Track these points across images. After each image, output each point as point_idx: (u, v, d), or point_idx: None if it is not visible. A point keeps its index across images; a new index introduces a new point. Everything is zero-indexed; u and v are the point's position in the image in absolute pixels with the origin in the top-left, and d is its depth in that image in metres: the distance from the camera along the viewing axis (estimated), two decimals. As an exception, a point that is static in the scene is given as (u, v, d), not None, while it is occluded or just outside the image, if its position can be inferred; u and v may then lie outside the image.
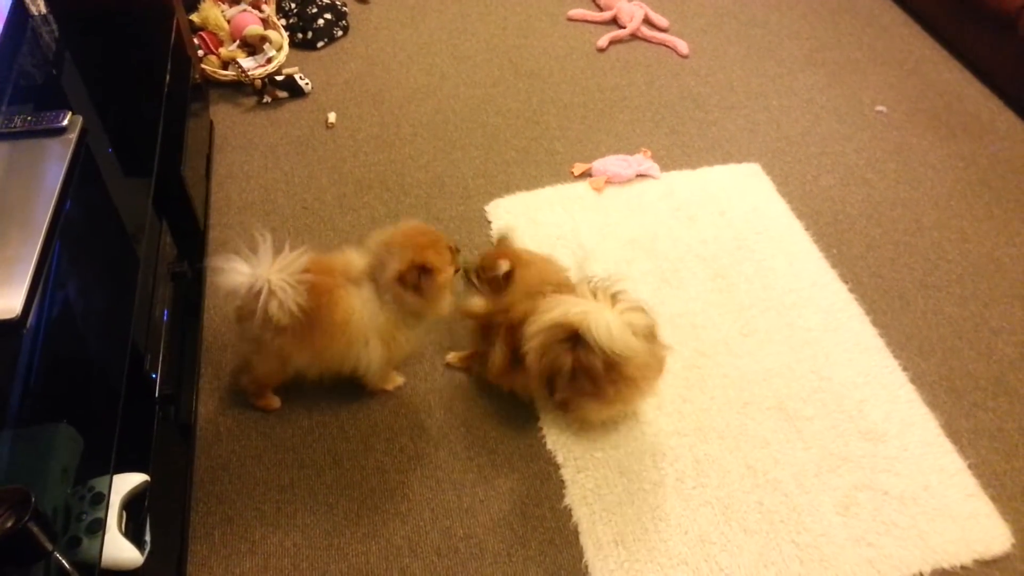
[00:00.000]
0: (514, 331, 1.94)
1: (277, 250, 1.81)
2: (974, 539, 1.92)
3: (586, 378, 1.88)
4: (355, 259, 1.92)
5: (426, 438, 2.11)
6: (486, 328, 2.05)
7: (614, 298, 1.86)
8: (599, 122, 3.09)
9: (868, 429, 2.13)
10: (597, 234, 2.63)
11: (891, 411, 2.17)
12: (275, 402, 2.15)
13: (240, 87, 3.16)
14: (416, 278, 1.83)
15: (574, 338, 1.83)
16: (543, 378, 1.95)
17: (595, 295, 1.86)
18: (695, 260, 2.56)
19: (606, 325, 1.77)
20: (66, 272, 1.71)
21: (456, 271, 1.97)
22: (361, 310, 1.87)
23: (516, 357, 1.95)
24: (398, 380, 2.19)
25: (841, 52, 3.47)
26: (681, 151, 2.97)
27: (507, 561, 1.89)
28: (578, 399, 1.98)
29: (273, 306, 1.75)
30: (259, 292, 1.75)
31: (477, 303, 2.04)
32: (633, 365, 1.86)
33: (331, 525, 1.94)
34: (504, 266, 1.97)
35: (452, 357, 2.26)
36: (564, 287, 1.97)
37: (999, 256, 2.62)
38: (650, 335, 1.90)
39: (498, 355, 2.00)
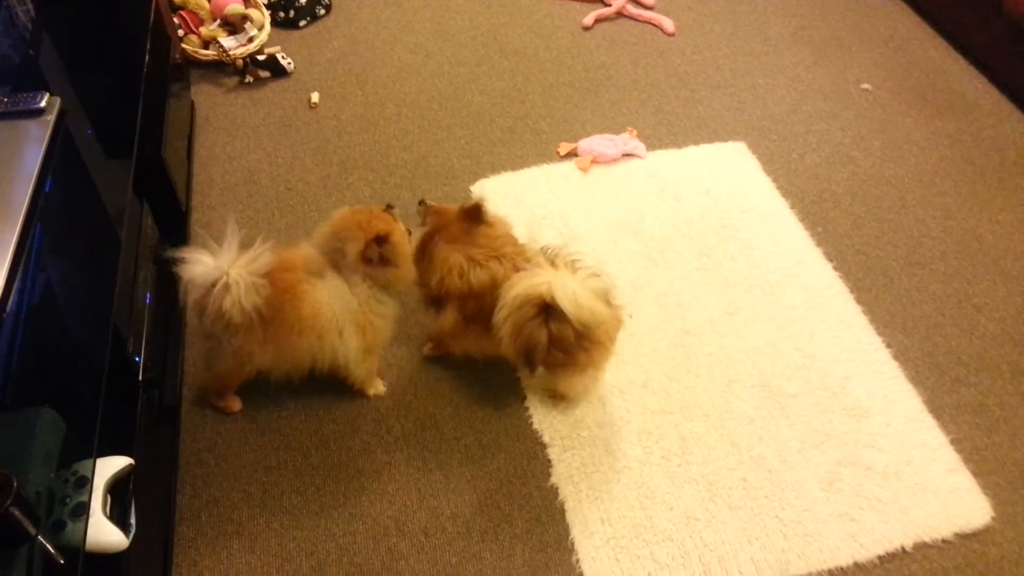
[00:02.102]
0: (466, 299, 1.95)
1: (247, 244, 1.77)
2: (955, 513, 1.94)
3: (558, 349, 1.88)
4: (314, 251, 1.89)
5: (412, 419, 2.12)
6: (434, 297, 2.04)
7: (572, 266, 1.86)
8: (584, 101, 3.08)
9: (851, 406, 2.14)
10: (583, 214, 2.63)
11: (875, 388, 2.19)
12: (236, 404, 2.11)
13: (221, 67, 3.12)
14: (378, 251, 1.83)
15: (546, 311, 1.83)
16: (520, 355, 1.94)
17: (554, 264, 1.86)
18: (681, 239, 2.56)
19: (572, 294, 1.77)
20: (46, 256, 1.70)
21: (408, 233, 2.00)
22: (330, 301, 1.85)
23: (467, 321, 1.98)
24: (380, 387, 2.16)
25: (827, 30, 3.46)
26: (667, 130, 2.97)
27: (494, 539, 1.90)
28: (552, 371, 1.98)
29: (227, 302, 1.70)
30: (215, 285, 1.71)
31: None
32: (602, 328, 1.87)
33: (318, 506, 1.95)
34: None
35: (427, 349, 2.25)
36: (517, 256, 1.97)
37: (982, 233, 2.63)
38: (608, 298, 1.90)
39: (449, 319, 2.01)
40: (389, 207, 1.98)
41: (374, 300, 1.90)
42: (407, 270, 1.93)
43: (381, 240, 1.83)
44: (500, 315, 1.87)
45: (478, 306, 1.94)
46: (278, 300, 1.78)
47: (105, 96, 2.12)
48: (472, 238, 1.98)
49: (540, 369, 1.98)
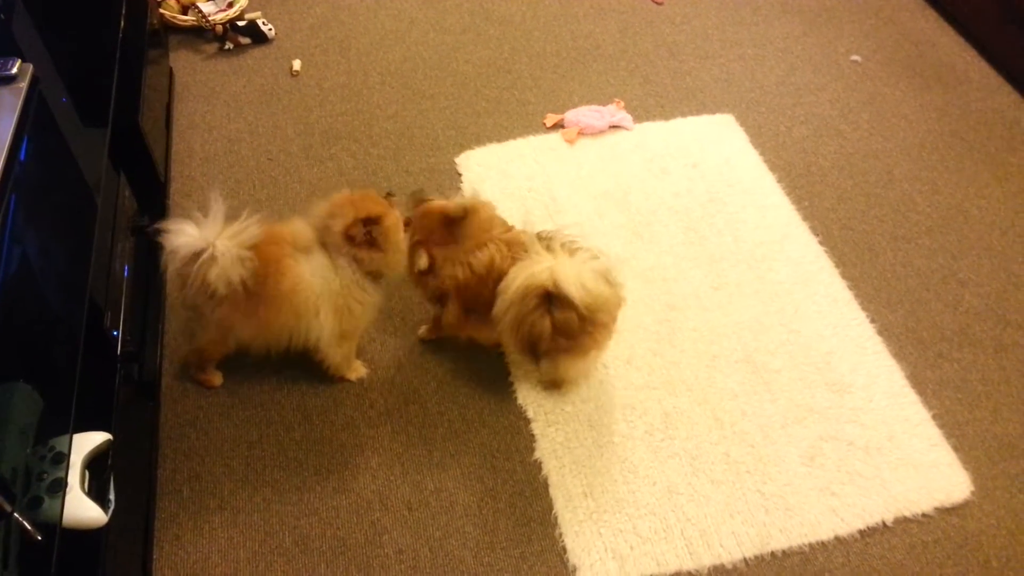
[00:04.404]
0: (462, 290, 1.92)
1: (232, 216, 1.74)
2: (935, 487, 1.96)
3: (562, 336, 1.85)
4: (303, 228, 1.86)
5: (396, 393, 2.10)
6: (435, 291, 2.00)
7: (570, 249, 1.83)
8: (572, 71, 3.04)
9: (835, 381, 2.15)
10: (569, 187, 2.61)
11: (858, 363, 2.19)
12: (216, 379, 2.09)
13: (201, 33, 3.05)
14: (364, 231, 1.80)
15: (547, 300, 1.80)
16: (524, 346, 1.92)
17: (550, 249, 1.82)
18: (667, 213, 2.54)
19: (576, 278, 1.75)
20: (20, 227, 1.66)
21: (405, 225, 1.93)
22: (311, 278, 1.82)
23: (468, 310, 1.95)
24: (361, 370, 2.13)
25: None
26: (655, 101, 2.94)
27: (477, 514, 1.90)
28: (554, 357, 1.95)
29: (212, 273, 1.69)
30: (199, 256, 1.69)
31: (423, 259, 1.95)
32: (604, 310, 1.85)
33: (301, 480, 1.94)
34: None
35: (423, 331, 2.22)
36: (512, 242, 1.91)
37: (968, 208, 2.63)
38: (609, 278, 1.87)
39: (451, 313, 1.98)
40: (389, 194, 1.94)
41: (356, 285, 1.87)
42: (395, 257, 1.89)
43: (370, 221, 1.79)
44: (500, 308, 1.84)
45: (477, 292, 1.90)
46: (262, 273, 1.76)
47: (80, 62, 2.07)
48: (459, 236, 1.91)
49: (544, 360, 1.95)
